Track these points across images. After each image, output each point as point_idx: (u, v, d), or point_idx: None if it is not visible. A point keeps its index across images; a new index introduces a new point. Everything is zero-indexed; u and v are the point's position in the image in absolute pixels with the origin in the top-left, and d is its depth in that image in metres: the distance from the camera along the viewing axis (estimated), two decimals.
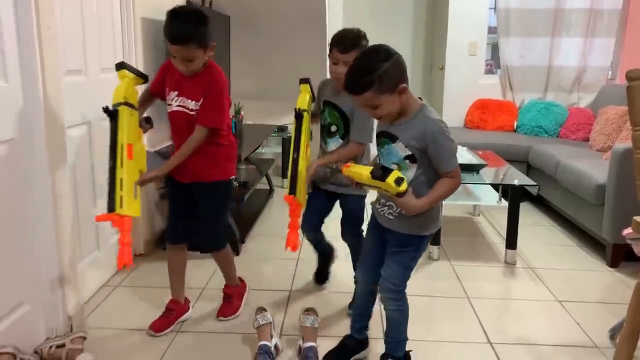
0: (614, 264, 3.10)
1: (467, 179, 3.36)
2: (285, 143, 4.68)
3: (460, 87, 5.19)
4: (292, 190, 2.10)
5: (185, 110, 2.11)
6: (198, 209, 2.25)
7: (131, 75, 2.07)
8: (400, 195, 1.67)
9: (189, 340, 2.20)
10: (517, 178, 3.20)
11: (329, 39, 2.22)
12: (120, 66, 2.08)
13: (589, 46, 4.92)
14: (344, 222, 2.40)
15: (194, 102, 2.10)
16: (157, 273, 2.75)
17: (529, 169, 4.31)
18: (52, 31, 2.01)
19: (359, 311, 2.10)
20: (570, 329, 2.39)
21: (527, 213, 4.04)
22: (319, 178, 2.32)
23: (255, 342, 2.08)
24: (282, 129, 4.68)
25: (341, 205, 2.37)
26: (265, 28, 4.74)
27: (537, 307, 2.60)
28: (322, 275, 2.76)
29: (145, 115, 2.17)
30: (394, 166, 1.76)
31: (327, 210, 2.43)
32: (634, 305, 1.72)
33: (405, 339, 1.97)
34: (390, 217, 1.84)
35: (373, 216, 1.95)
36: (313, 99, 2.31)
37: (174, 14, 2.00)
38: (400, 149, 1.75)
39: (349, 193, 2.27)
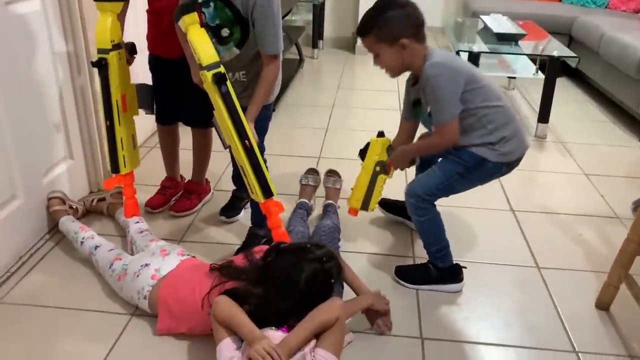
0: None
1: (504, 50, 3.26)
2: (316, 10, 4.52)
3: None
4: (268, 191, 1.64)
5: None
6: (185, 86, 1.86)
7: (111, 3, 1.73)
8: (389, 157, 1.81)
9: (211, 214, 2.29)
10: (557, 49, 3.08)
11: None
12: None
13: None
14: None
15: None
16: None
17: (570, 41, 4.11)
18: None
19: None
20: (593, 200, 2.43)
21: (564, 88, 3.92)
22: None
23: None
24: None
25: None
26: None
27: (563, 180, 2.63)
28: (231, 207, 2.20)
29: (126, 42, 1.85)
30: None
31: None
32: None
33: (442, 247, 1.80)
34: None
35: None
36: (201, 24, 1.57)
37: None
38: (426, 110, 1.67)
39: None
